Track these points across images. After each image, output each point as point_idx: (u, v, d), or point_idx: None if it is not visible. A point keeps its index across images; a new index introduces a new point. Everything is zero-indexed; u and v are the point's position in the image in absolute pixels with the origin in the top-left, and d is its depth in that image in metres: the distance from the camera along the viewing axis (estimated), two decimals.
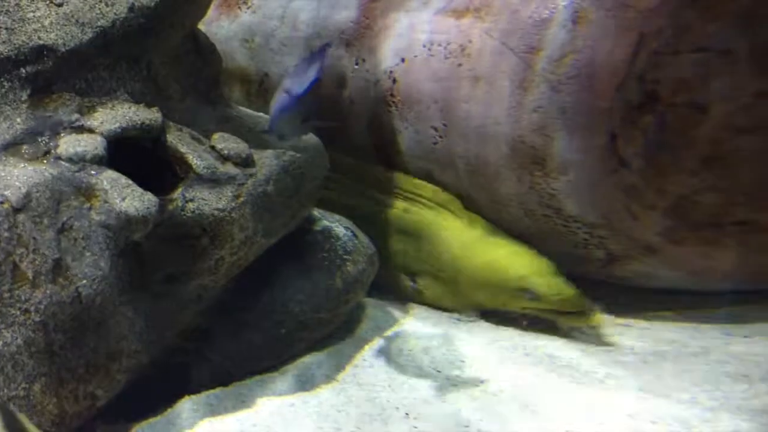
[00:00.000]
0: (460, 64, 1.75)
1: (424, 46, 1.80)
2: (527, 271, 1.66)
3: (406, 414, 1.37)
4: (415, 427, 1.33)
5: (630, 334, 1.63)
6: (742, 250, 1.64)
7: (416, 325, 1.68)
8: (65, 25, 1.37)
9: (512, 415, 1.35)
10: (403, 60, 1.82)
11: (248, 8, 2.07)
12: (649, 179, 1.64)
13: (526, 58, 1.67)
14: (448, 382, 1.47)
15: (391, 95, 1.85)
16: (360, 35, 1.90)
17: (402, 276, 1.80)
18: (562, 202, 1.69)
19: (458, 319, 1.72)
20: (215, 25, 2.06)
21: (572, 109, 1.63)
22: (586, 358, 1.54)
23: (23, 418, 1.03)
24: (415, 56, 1.81)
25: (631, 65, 1.59)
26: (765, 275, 1.64)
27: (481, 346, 1.59)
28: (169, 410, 1.38)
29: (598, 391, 1.43)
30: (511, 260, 1.69)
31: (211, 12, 1.85)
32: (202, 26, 1.62)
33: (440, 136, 1.81)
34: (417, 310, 1.74)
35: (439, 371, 1.50)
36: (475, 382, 1.47)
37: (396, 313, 1.74)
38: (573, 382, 1.46)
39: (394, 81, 1.84)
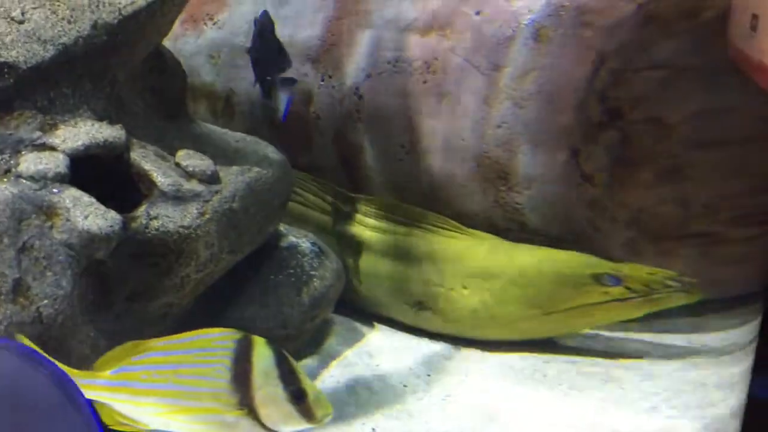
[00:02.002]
0: (425, 81, 1.78)
1: (389, 62, 1.81)
2: (589, 260, 1.55)
3: (373, 429, 1.37)
4: None
5: (596, 343, 1.65)
6: (701, 261, 1.68)
7: (383, 341, 1.69)
8: (26, 43, 1.36)
9: (480, 428, 1.36)
10: (368, 76, 1.84)
11: (214, 24, 2.07)
12: (611, 193, 1.67)
13: (490, 75, 1.70)
14: (415, 397, 1.47)
15: (357, 111, 1.86)
16: (326, 52, 1.91)
17: (403, 304, 1.69)
18: (526, 216, 1.72)
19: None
20: (181, 41, 2.06)
21: (535, 124, 1.66)
22: (550, 369, 1.56)
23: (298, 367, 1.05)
24: (381, 73, 1.82)
25: (591, 82, 1.62)
26: (724, 284, 1.68)
27: (445, 359, 1.60)
28: None
29: (561, 401, 1.45)
30: (560, 256, 1.57)
31: (176, 28, 1.85)
32: (167, 42, 1.61)
33: (406, 152, 1.82)
34: (383, 327, 1.74)
35: (405, 386, 1.51)
36: (442, 396, 1.48)
37: (363, 328, 1.74)
38: (540, 393, 1.47)
39: (360, 97, 1.85)
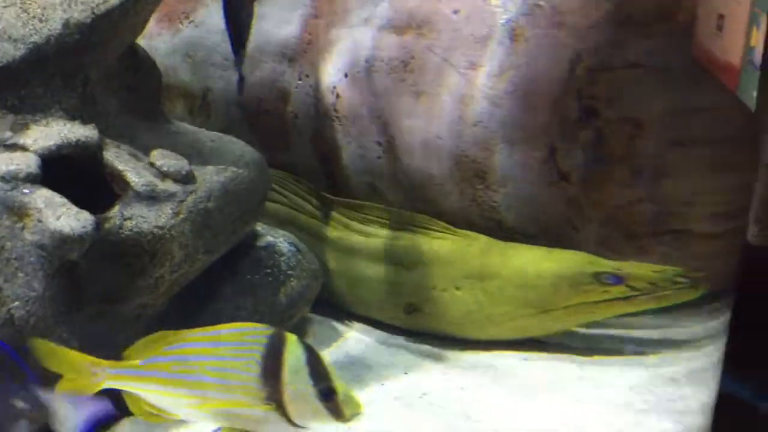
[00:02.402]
0: (402, 80, 1.78)
1: (367, 61, 1.81)
2: (590, 259, 1.54)
3: (349, 428, 1.37)
4: None
5: (572, 340, 1.66)
6: (677, 258, 1.69)
7: (359, 339, 1.68)
8: None
9: (455, 426, 1.37)
10: (346, 75, 1.84)
11: (190, 23, 2.06)
12: (588, 191, 1.68)
13: (466, 74, 1.70)
14: (391, 395, 1.47)
15: (335, 110, 1.86)
16: (303, 51, 1.91)
17: (393, 307, 1.68)
18: (503, 214, 1.73)
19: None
20: (156, 40, 2.04)
21: (512, 123, 1.67)
22: (525, 367, 1.56)
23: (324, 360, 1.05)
24: (358, 72, 1.82)
25: (567, 81, 1.63)
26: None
27: (422, 357, 1.60)
28: None
29: (536, 399, 1.45)
30: (560, 255, 1.56)
31: (152, 26, 1.84)
32: (142, 41, 1.60)
33: (384, 151, 1.82)
34: (360, 325, 1.74)
35: (382, 384, 1.51)
36: (419, 393, 1.48)
37: (340, 327, 1.74)
38: (515, 391, 1.48)
39: (337, 96, 1.85)
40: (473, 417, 1.41)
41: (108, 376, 1.09)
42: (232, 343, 1.08)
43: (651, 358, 1.58)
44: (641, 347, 1.63)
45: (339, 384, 1.06)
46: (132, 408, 1.11)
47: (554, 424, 1.37)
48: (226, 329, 1.11)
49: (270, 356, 1.05)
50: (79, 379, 1.11)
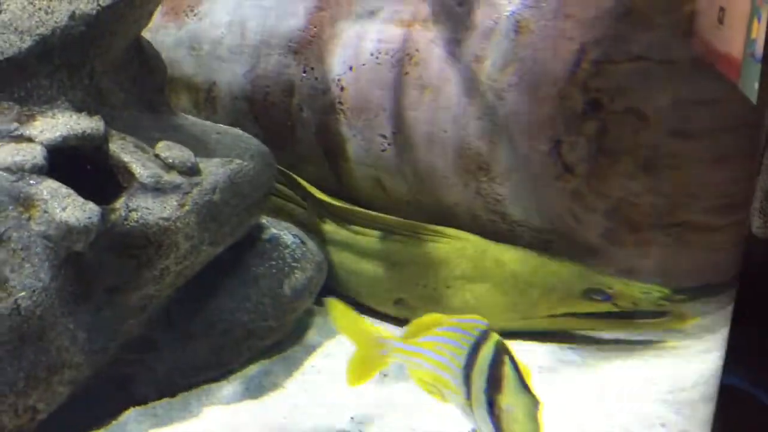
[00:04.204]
0: (407, 73, 1.78)
1: (372, 54, 1.81)
2: (583, 273, 1.55)
3: (352, 418, 1.38)
4: None
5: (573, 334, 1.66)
6: (680, 250, 1.69)
7: None
8: (2, 33, 1.34)
9: (459, 418, 1.37)
10: (351, 68, 1.84)
11: (195, 15, 2.06)
12: (592, 183, 1.68)
13: (471, 66, 1.70)
14: (396, 388, 1.47)
15: (340, 103, 1.86)
16: (308, 43, 1.91)
17: (385, 302, 1.71)
18: (507, 207, 1.72)
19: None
20: (162, 33, 2.04)
21: (516, 116, 1.67)
22: (532, 359, 1.57)
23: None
24: (363, 64, 1.82)
25: (572, 74, 1.62)
26: (703, 272, 1.69)
27: None
28: (114, 422, 1.37)
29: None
30: (555, 267, 1.57)
31: (157, 19, 1.84)
32: (147, 34, 1.60)
33: (388, 144, 1.82)
34: (366, 316, 1.74)
35: (386, 375, 1.51)
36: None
37: None
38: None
39: (342, 89, 1.85)
40: None
41: (394, 349, 1.19)
42: (470, 334, 1.11)
43: (655, 350, 1.58)
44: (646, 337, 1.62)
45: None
46: (413, 376, 1.19)
47: (568, 416, 1.36)
48: (470, 320, 1.15)
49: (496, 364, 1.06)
50: (370, 351, 1.21)
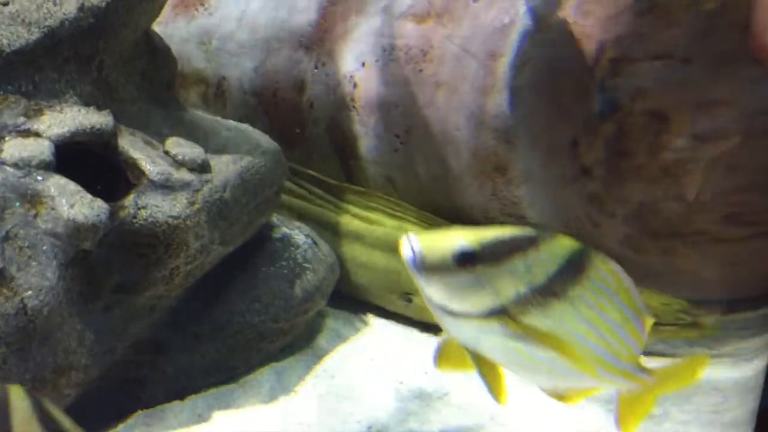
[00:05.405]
0: (421, 70, 1.74)
1: (385, 50, 1.78)
2: None
3: (369, 427, 1.35)
4: None
5: None
6: (701, 260, 1.65)
7: (377, 335, 1.66)
8: (11, 25, 1.31)
9: (478, 429, 1.34)
10: (363, 64, 1.80)
11: (205, 10, 2.03)
12: (610, 187, 1.64)
13: (487, 64, 1.66)
14: (411, 394, 1.44)
15: (352, 100, 1.83)
16: (319, 39, 1.87)
17: (392, 296, 1.69)
18: (525, 210, 1.69)
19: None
20: (171, 27, 2.01)
21: (533, 115, 1.63)
22: None
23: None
24: (376, 61, 1.79)
25: (591, 73, 1.59)
26: (726, 286, 1.65)
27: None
28: (122, 425, 1.34)
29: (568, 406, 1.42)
30: None
31: (167, 13, 1.81)
32: (157, 27, 1.57)
33: (401, 142, 1.79)
34: (376, 320, 1.71)
35: (401, 382, 1.48)
36: (439, 394, 1.45)
37: (356, 322, 1.71)
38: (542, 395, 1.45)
39: (355, 85, 1.82)
40: (497, 419, 1.37)
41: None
42: None
43: None
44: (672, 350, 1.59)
45: None
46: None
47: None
48: None
49: None
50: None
